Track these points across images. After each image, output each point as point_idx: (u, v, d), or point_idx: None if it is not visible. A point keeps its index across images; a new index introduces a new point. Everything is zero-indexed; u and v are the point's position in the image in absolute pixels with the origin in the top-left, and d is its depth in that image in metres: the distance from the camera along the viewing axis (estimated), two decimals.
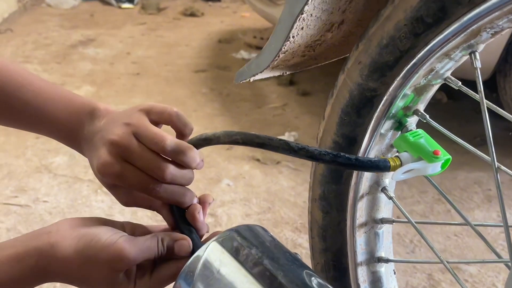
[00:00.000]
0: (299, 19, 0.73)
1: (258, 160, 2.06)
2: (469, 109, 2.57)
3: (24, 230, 1.60)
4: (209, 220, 1.67)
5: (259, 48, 3.35)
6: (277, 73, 0.89)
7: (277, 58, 0.79)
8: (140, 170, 0.62)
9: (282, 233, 1.63)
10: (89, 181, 1.84)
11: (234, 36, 3.70)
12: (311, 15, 0.75)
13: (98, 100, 2.30)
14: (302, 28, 0.76)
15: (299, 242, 1.57)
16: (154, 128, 0.63)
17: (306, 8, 0.70)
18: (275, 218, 1.71)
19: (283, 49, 0.78)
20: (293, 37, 0.76)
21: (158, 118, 0.65)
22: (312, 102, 2.56)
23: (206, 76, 2.99)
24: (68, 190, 1.80)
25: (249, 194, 1.83)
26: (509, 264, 0.61)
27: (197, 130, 2.38)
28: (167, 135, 0.63)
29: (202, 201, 0.68)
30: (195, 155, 0.64)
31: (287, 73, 0.91)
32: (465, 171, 2.04)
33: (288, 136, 2.24)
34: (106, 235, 0.60)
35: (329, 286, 0.62)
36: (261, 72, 0.82)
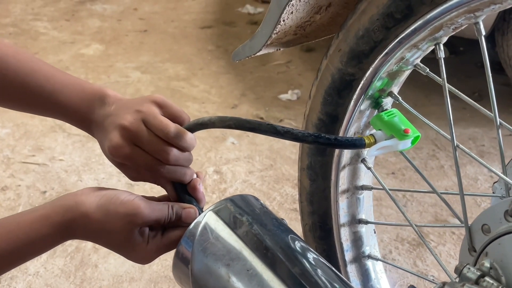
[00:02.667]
0: (289, 5, 0.81)
1: (261, 118, 2.15)
2: (470, 64, 2.61)
3: (42, 188, 1.72)
4: (215, 177, 1.78)
5: (265, 2, 3.37)
6: (271, 50, 0.97)
7: (269, 41, 0.87)
8: (147, 153, 0.72)
9: (283, 189, 1.74)
10: None
11: None
12: (300, 0, 0.82)
13: (107, 58, 2.38)
14: (292, 12, 0.84)
15: (298, 198, 1.68)
16: (161, 117, 0.72)
17: None
18: (276, 175, 1.81)
19: (274, 32, 0.85)
20: (283, 20, 0.84)
21: (170, 118, 0.73)
22: (316, 58, 2.62)
23: (212, 33, 3.04)
24: (82, 149, 1.92)
25: (253, 152, 1.93)
26: (465, 228, 0.71)
27: (204, 88, 2.46)
28: (172, 123, 0.72)
29: (192, 183, 0.77)
30: (192, 140, 0.73)
31: (281, 49, 0.99)
32: (461, 127, 2.12)
33: (291, 94, 2.32)
34: (124, 194, 0.70)
35: (311, 249, 0.73)
36: (254, 54, 0.90)
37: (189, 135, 0.73)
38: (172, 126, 0.72)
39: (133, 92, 2.36)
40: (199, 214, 0.73)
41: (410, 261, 1.48)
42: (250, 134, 2.04)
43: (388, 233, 1.56)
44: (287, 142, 2.00)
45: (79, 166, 1.83)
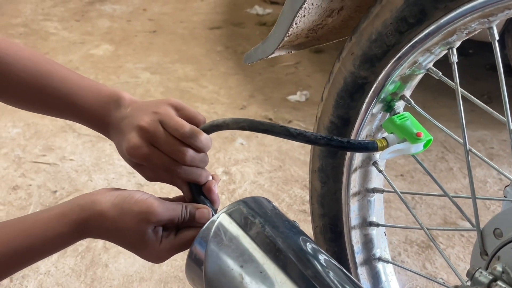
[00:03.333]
0: (301, 8, 0.81)
1: (270, 120, 2.15)
2: (479, 66, 2.61)
3: (53, 187, 1.73)
4: (224, 178, 1.79)
5: (273, 3, 3.38)
6: (282, 52, 0.97)
7: (281, 44, 0.88)
8: (164, 153, 0.73)
9: (292, 190, 1.75)
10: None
11: None
12: (312, 4, 0.83)
13: (117, 58, 2.40)
14: (304, 16, 0.84)
15: (307, 199, 1.68)
16: (177, 118, 0.73)
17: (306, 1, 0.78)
18: (285, 176, 1.82)
19: (287, 35, 0.86)
20: (296, 24, 0.84)
21: (186, 119, 0.74)
22: (324, 60, 2.63)
23: (221, 33, 3.05)
24: (92, 149, 1.93)
25: (261, 153, 1.94)
26: (477, 231, 0.72)
27: (213, 89, 2.47)
28: (188, 124, 0.73)
29: (207, 185, 0.78)
30: (207, 141, 0.74)
31: (292, 51, 0.99)
32: (470, 129, 2.11)
33: (299, 95, 2.33)
34: (138, 193, 0.71)
35: (322, 250, 0.73)
36: (266, 57, 0.91)
37: (204, 136, 0.74)
38: (188, 127, 0.73)
39: (142, 92, 2.37)
40: (213, 215, 0.74)
41: (419, 264, 1.48)
42: (259, 135, 2.05)
43: (397, 235, 1.56)
44: (296, 143, 2.01)
45: (89, 166, 1.85)
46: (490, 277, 0.64)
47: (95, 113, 0.78)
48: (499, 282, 0.63)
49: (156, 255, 0.73)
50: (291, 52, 0.99)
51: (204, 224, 0.72)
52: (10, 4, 3.37)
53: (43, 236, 0.69)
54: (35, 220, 0.70)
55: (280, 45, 0.88)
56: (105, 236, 0.73)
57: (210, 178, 0.78)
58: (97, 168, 1.84)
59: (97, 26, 3.12)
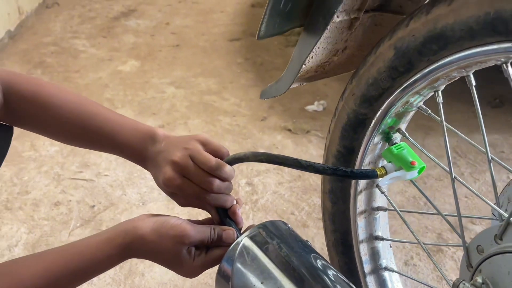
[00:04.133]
0: (310, 54, 0.93)
1: (289, 130, 2.28)
2: (493, 70, 2.67)
3: (91, 202, 1.89)
4: (247, 189, 1.92)
5: None
6: (295, 85, 1.10)
7: (291, 85, 1.00)
8: (194, 183, 0.86)
9: (311, 199, 1.87)
10: None
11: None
12: (319, 47, 0.95)
13: (143, 74, 2.55)
14: (312, 57, 0.97)
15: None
16: (205, 153, 0.86)
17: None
18: (304, 185, 1.94)
19: (296, 77, 0.98)
20: (305, 64, 0.97)
21: (212, 153, 0.87)
22: None
23: (241, 45, 3.18)
24: (124, 165, 2.08)
25: None
26: (463, 247, 0.83)
27: (234, 101, 2.62)
28: (213, 158, 0.86)
29: (238, 203, 0.91)
30: (231, 172, 0.87)
31: (304, 83, 1.12)
32: (481, 134, 2.20)
33: (317, 105, 2.44)
34: (174, 219, 0.84)
35: (331, 265, 0.86)
36: (280, 95, 1.03)
37: (228, 167, 0.87)
38: (214, 161, 0.86)
39: (169, 107, 2.51)
40: (237, 235, 0.87)
41: (430, 266, 1.59)
42: (280, 146, 2.18)
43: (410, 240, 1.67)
44: (314, 152, 2.13)
45: (123, 181, 1.99)
46: None
47: (134, 149, 0.91)
48: None
49: (190, 271, 0.86)
50: (303, 84, 1.12)
51: (230, 243, 0.84)
52: (42, 23, 3.55)
53: (94, 259, 0.82)
54: (86, 245, 0.83)
55: (291, 86, 1.01)
56: (146, 257, 0.86)
57: (235, 202, 0.91)
58: (130, 183, 1.99)
59: (123, 41, 3.28)
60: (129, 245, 0.82)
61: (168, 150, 0.88)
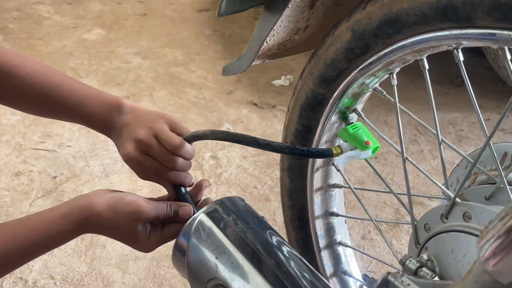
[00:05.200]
0: (270, 32, 0.94)
1: (255, 104, 2.29)
2: None
3: (53, 173, 1.87)
4: (211, 162, 1.94)
5: None
6: (257, 62, 1.11)
7: (253, 62, 1.01)
8: (156, 160, 0.87)
9: (274, 173, 1.89)
10: None
11: None
12: (280, 26, 0.96)
13: (109, 43, 2.51)
14: (273, 35, 0.97)
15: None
16: (170, 133, 0.87)
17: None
18: (268, 160, 1.96)
19: (258, 54, 0.99)
20: (266, 42, 0.97)
21: (177, 134, 0.87)
22: None
23: (209, 16, 3.15)
24: (88, 136, 2.06)
25: None
26: (411, 225, 0.86)
27: (201, 74, 2.60)
28: (178, 137, 0.87)
29: (199, 184, 0.92)
30: (192, 150, 0.88)
31: (266, 60, 1.12)
32: (442, 111, 2.25)
33: (283, 80, 2.45)
34: (129, 195, 0.85)
35: (286, 242, 0.88)
36: (241, 72, 1.04)
37: (189, 146, 0.88)
38: (178, 140, 0.87)
39: (134, 78, 2.49)
40: (194, 211, 0.88)
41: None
42: (245, 120, 2.19)
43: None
44: (279, 127, 2.15)
45: (86, 152, 1.98)
46: (418, 264, 0.79)
47: (99, 119, 0.91)
48: (424, 269, 0.78)
49: (146, 247, 0.88)
50: (265, 61, 1.12)
51: (187, 219, 0.86)
52: None
53: (48, 234, 0.82)
54: (40, 219, 0.83)
55: (253, 63, 1.01)
56: (102, 233, 0.87)
57: (193, 180, 0.92)
58: (93, 154, 1.97)
59: (89, 9, 3.21)
60: (84, 222, 0.83)
61: (134, 124, 0.88)
